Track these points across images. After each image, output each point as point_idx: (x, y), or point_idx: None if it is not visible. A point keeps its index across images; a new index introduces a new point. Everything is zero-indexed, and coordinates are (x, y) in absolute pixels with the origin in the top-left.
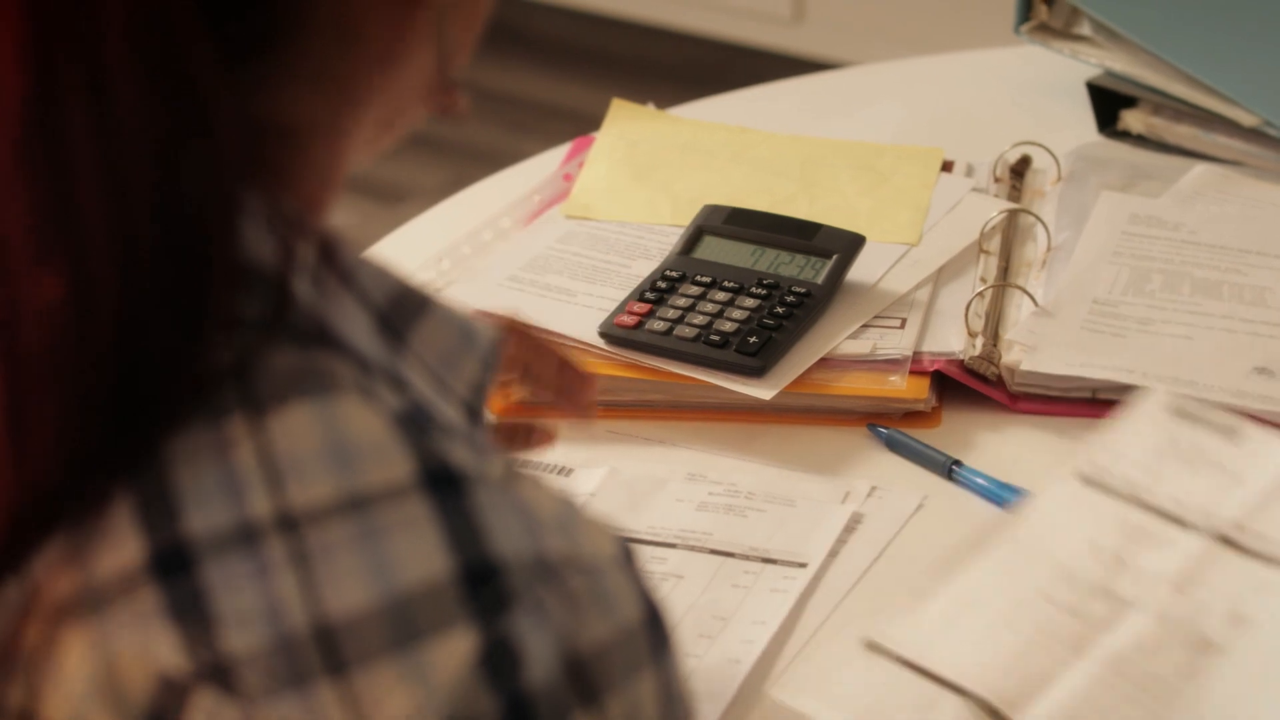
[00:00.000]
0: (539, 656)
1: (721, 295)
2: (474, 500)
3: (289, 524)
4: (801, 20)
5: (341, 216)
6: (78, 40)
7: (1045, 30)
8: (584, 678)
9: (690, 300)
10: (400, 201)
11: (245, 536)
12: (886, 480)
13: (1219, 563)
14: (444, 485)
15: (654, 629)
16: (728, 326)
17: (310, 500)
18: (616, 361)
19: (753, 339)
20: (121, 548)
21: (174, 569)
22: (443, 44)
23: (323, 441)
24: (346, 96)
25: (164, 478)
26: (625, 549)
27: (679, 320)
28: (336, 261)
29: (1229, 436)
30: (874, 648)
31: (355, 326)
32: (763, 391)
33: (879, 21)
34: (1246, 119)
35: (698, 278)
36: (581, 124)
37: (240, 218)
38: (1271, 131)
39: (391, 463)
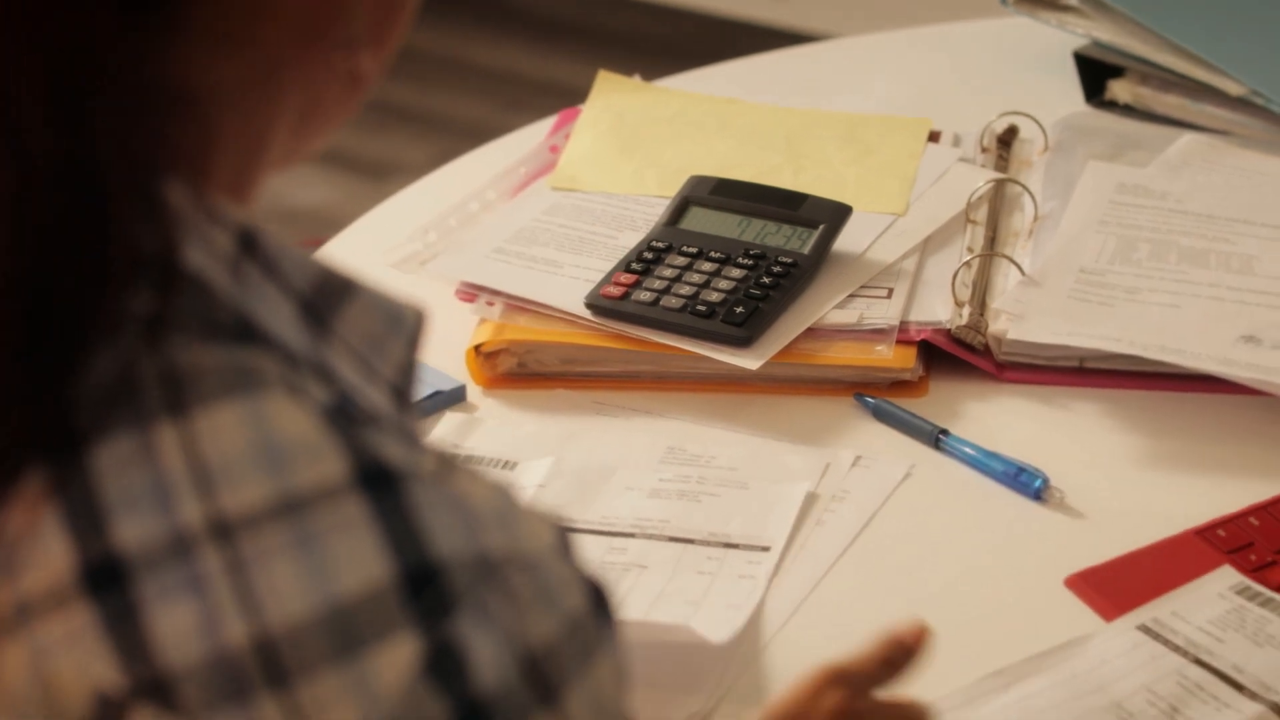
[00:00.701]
0: (488, 659)
1: (708, 266)
2: (410, 499)
3: (222, 531)
4: None
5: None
6: None
7: (1032, 1)
8: (539, 676)
9: (677, 271)
10: (387, 177)
11: (178, 546)
12: (873, 450)
13: None
14: (379, 484)
15: (599, 611)
16: (714, 297)
17: (242, 505)
18: (603, 332)
19: (739, 309)
20: (50, 561)
21: (105, 583)
22: (354, 5)
23: (252, 442)
24: (254, 63)
25: (90, 486)
26: (563, 535)
27: (665, 291)
28: (258, 251)
29: None
30: None
31: (279, 317)
32: (749, 362)
33: None
34: (1234, 88)
35: (684, 248)
36: (567, 99)
37: (150, 213)
38: (1259, 100)
39: (324, 461)
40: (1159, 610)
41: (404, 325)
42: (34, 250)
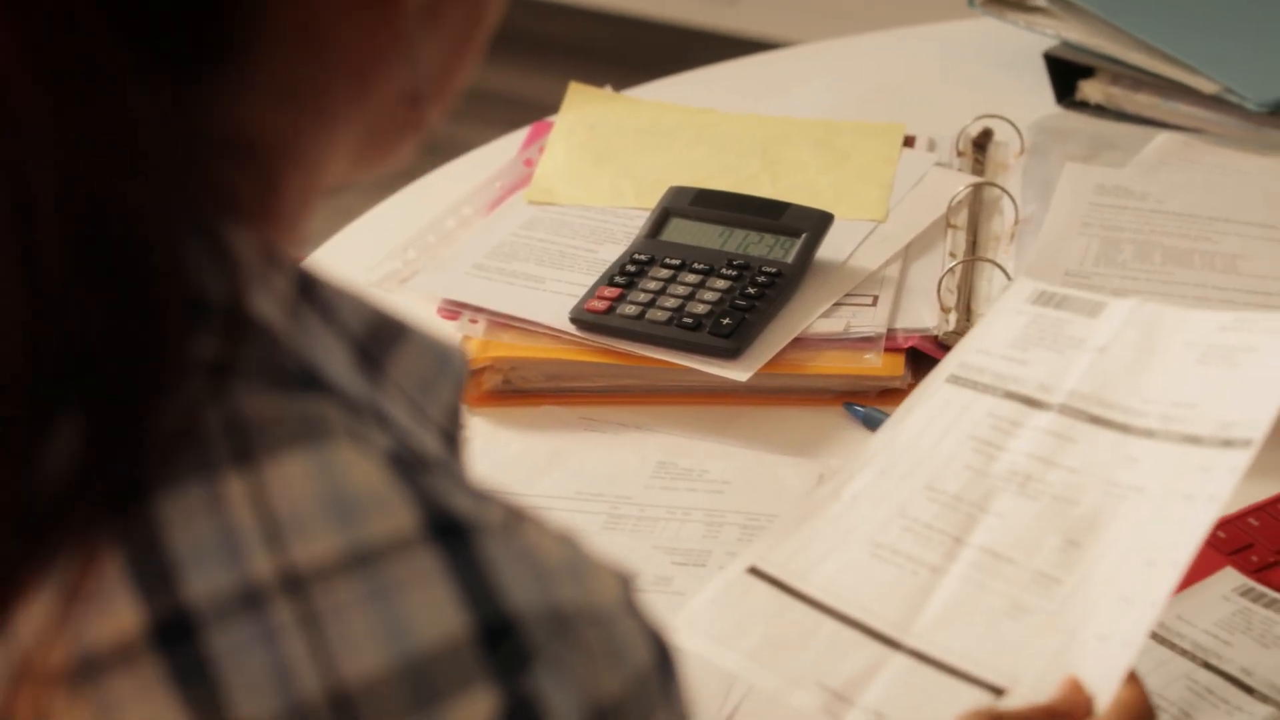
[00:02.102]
0: (563, 713)
1: (692, 277)
2: (483, 552)
3: (294, 584)
4: (735, 1)
5: None
6: None
7: (1000, 2)
8: None
9: (661, 283)
10: (340, 192)
11: (249, 599)
12: None
13: (1085, 439)
14: (451, 536)
15: (664, 667)
16: (700, 309)
17: (314, 557)
18: (588, 347)
19: (726, 320)
20: (117, 614)
21: (176, 637)
22: (414, 53)
23: (321, 493)
24: (314, 112)
25: (157, 538)
26: (629, 587)
27: (650, 304)
28: (316, 294)
29: (1092, 313)
30: (756, 573)
31: (336, 362)
32: (738, 373)
33: (813, 1)
34: (1207, 86)
35: (667, 260)
36: (517, 110)
37: (184, 249)
38: (1231, 98)
39: (394, 513)
40: (1164, 614)
41: (452, 367)
42: (94, 300)
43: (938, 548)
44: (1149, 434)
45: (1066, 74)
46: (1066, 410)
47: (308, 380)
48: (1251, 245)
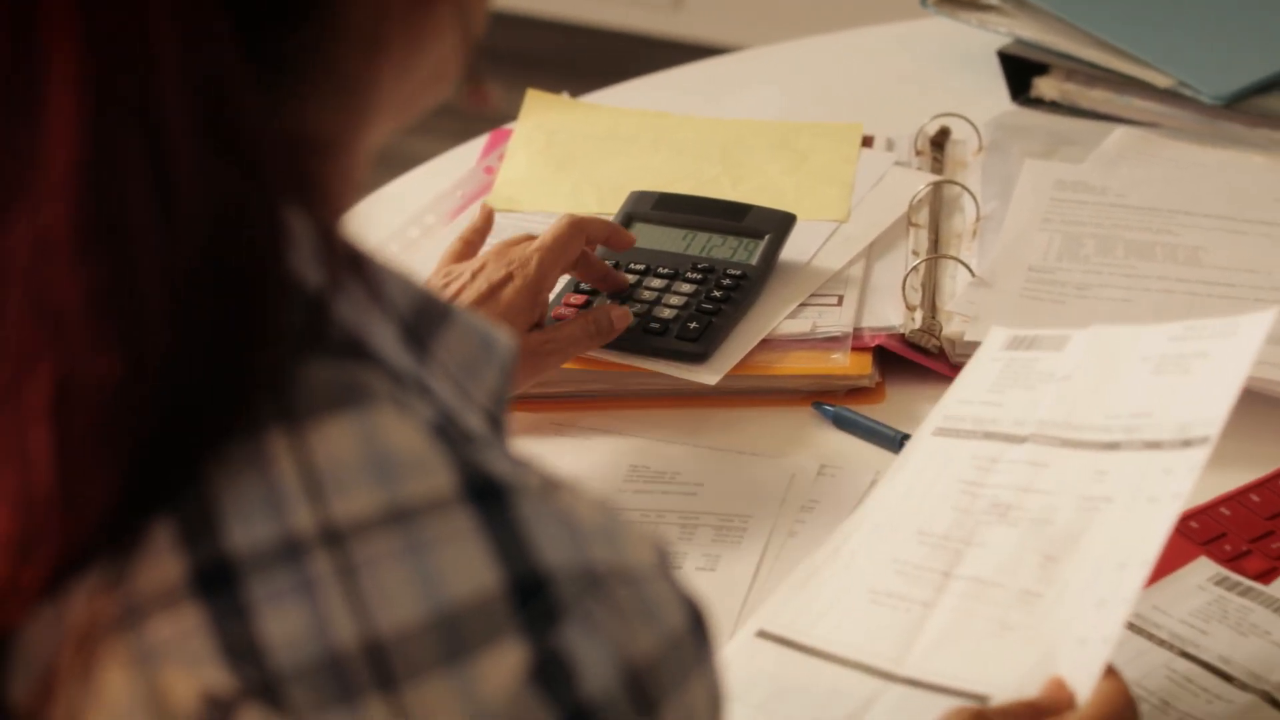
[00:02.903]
0: (594, 668)
1: (657, 282)
2: (518, 511)
3: (333, 537)
4: (681, 6)
5: None
6: (134, 101)
7: (952, 1)
8: (640, 689)
9: (627, 289)
10: None
11: (289, 551)
12: (837, 458)
13: (1057, 462)
14: (487, 496)
15: (698, 633)
16: (666, 313)
17: (353, 512)
18: None
19: (693, 324)
20: (162, 564)
21: (217, 585)
22: (465, 31)
23: (363, 453)
24: (367, 103)
25: (204, 495)
26: (664, 555)
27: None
28: (365, 273)
29: (1058, 347)
30: (764, 635)
31: (385, 337)
32: (707, 377)
33: (761, 3)
34: (1161, 80)
35: (631, 265)
36: (464, 120)
37: (284, 243)
38: (1186, 92)
39: (433, 474)
40: (1140, 605)
41: (497, 352)
42: (218, 284)
43: (928, 584)
44: (1114, 447)
45: (1021, 71)
46: (1039, 439)
47: (355, 349)
48: (1212, 237)
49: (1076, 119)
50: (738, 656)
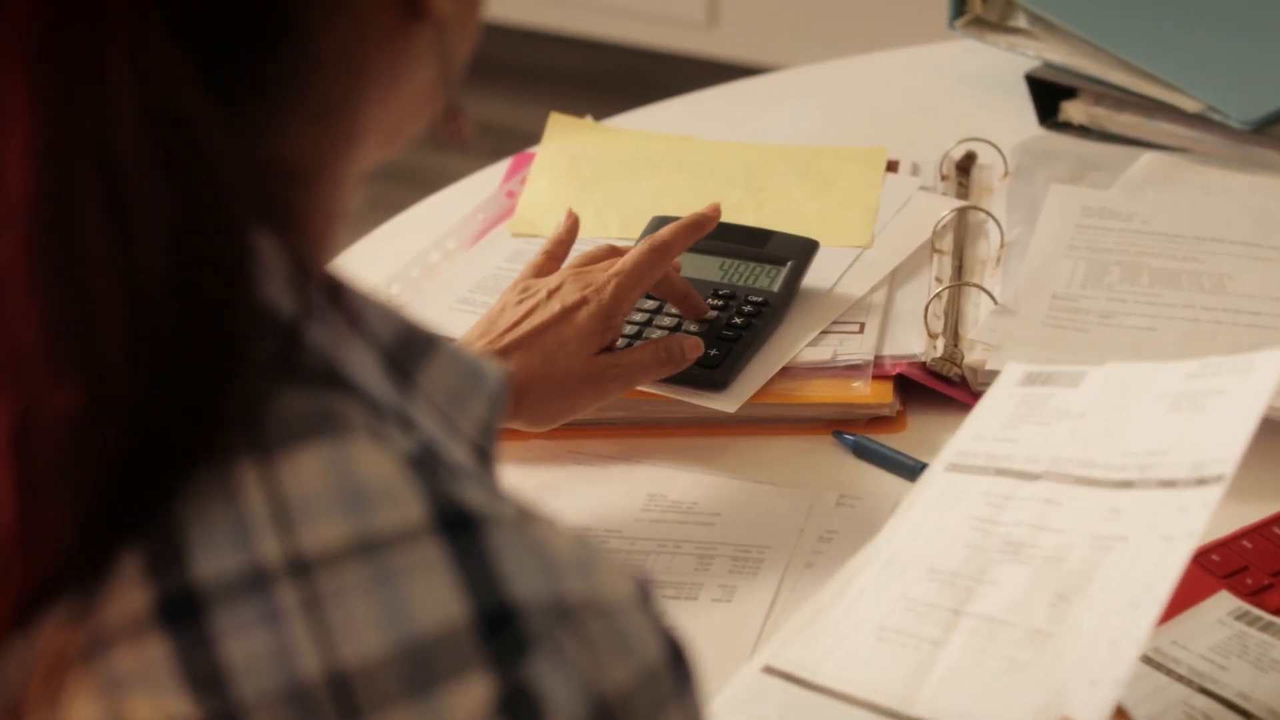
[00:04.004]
0: (563, 700)
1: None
2: (489, 543)
3: (300, 568)
4: (716, 23)
5: None
6: (89, 131)
7: (980, 24)
8: None
9: (647, 315)
10: None
11: (255, 581)
12: (856, 487)
13: (1071, 500)
14: (458, 527)
15: (677, 668)
16: None
17: (321, 543)
18: None
19: (713, 351)
20: (129, 595)
21: (182, 615)
22: (445, 61)
23: (333, 484)
24: (348, 130)
25: (172, 524)
26: (644, 588)
27: (636, 335)
28: (344, 302)
29: (1074, 384)
30: (771, 671)
31: (364, 367)
32: (727, 404)
33: (797, 23)
34: (1189, 105)
35: (652, 291)
36: (498, 138)
37: (254, 271)
38: (1215, 116)
39: (404, 504)
40: (1159, 639)
41: (485, 383)
42: (179, 311)
43: (938, 622)
44: (1128, 485)
45: (1049, 95)
46: (1052, 476)
47: (330, 378)
48: (1239, 264)
49: (1104, 144)
50: (743, 692)
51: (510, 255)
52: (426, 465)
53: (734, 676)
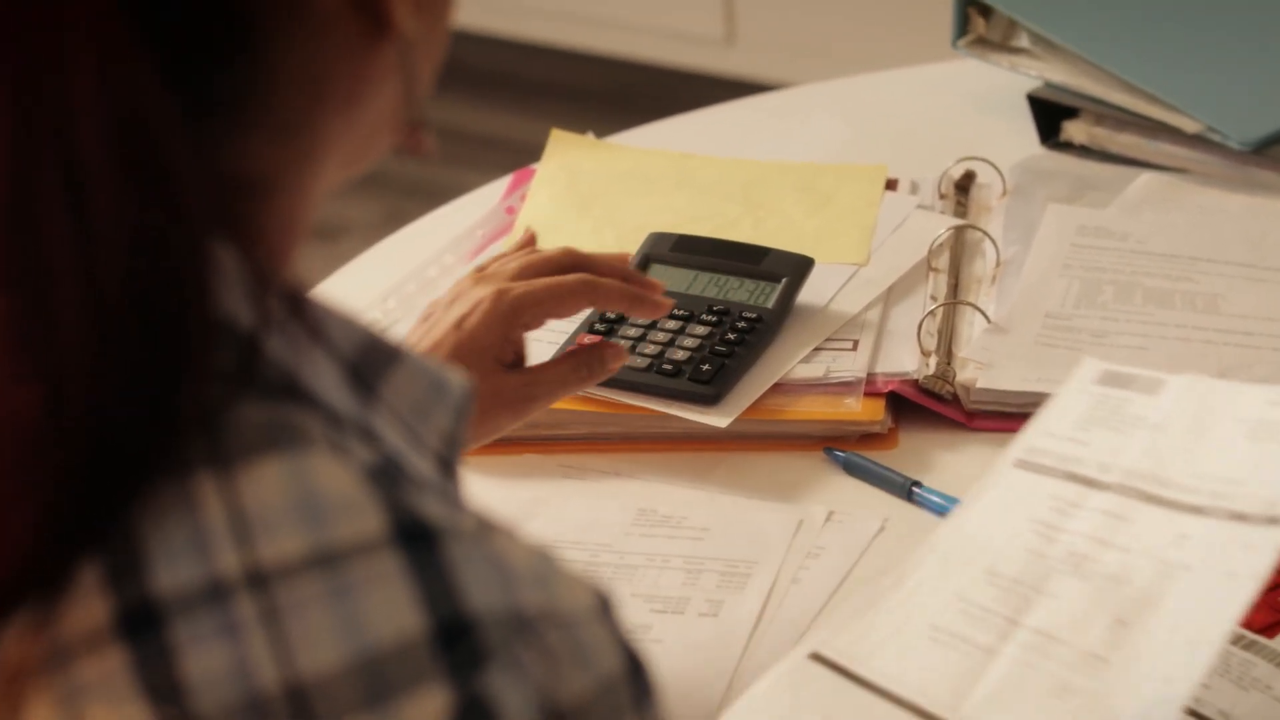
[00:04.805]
0: (519, 712)
1: (672, 324)
2: (447, 555)
3: (259, 580)
4: (733, 41)
5: None
6: (52, 138)
7: (983, 44)
8: None
9: (641, 330)
10: (335, 237)
11: (214, 593)
12: (846, 504)
13: (1139, 518)
14: (416, 540)
15: (636, 680)
16: (680, 355)
17: (280, 556)
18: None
19: (706, 366)
20: (88, 606)
21: (142, 628)
22: (409, 78)
23: (292, 496)
24: (310, 145)
25: (131, 537)
26: (604, 600)
27: (630, 350)
28: (305, 313)
29: (1152, 390)
30: (818, 659)
31: (324, 379)
32: (718, 420)
33: (812, 41)
34: (1189, 125)
35: None
36: (516, 154)
37: (213, 282)
38: (1214, 137)
39: (362, 517)
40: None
41: (449, 394)
42: (140, 325)
43: (991, 629)
44: (1198, 511)
45: (1050, 115)
46: (1123, 489)
47: (290, 391)
48: (1233, 285)
49: (1104, 164)
50: (789, 679)
51: None
52: (387, 477)
53: (780, 661)
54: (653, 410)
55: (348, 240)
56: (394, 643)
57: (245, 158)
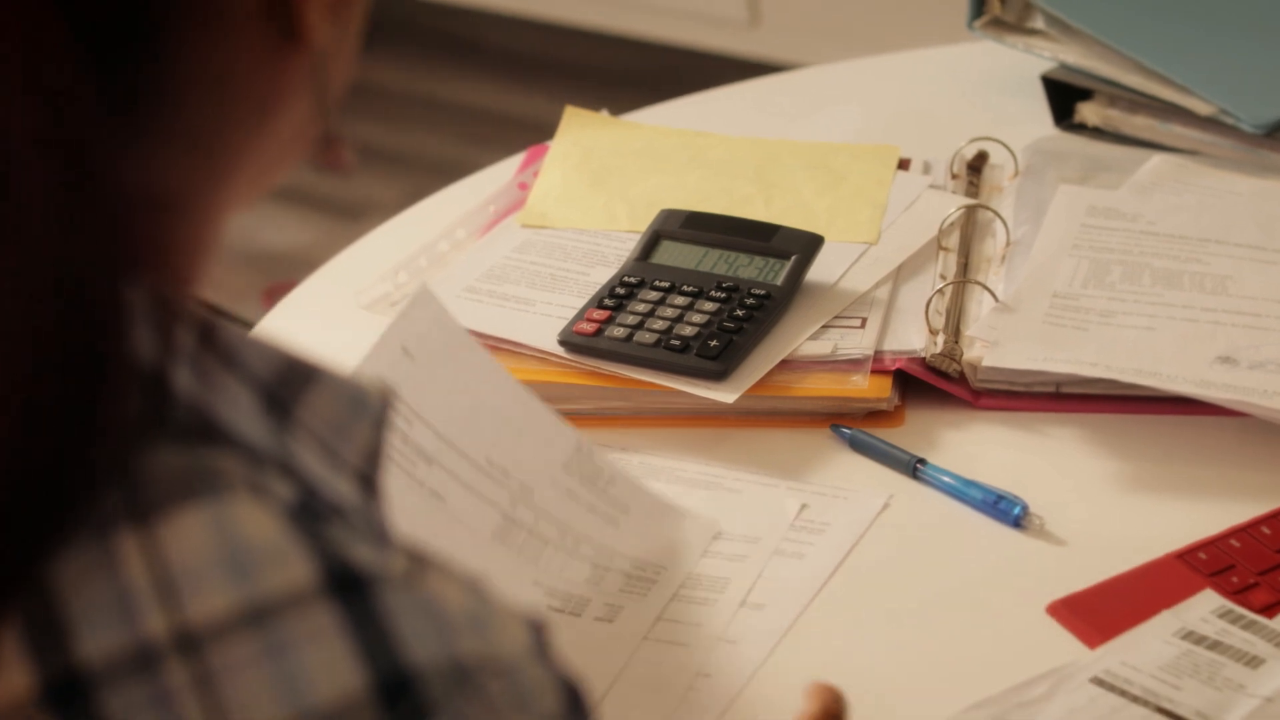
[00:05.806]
0: None
1: (681, 300)
2: (381, 604)
3: (189, 643)
4: (757, 23)
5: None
6: None
7: (998, 25)
8: None
9: (649, 305)
10: (359, 217)
11: (143, 660)
12: (851, 481)
13: None
14: (349, 589)
15: (574, 713)
16: (688, 331)
17: (209, 614)
18: (577, 369)
19: (714, 343)
20: (11, 677)
21: (68, 700)
22: (321, 89)
23: (216, 548)
24: (220, 159)
25: (51, 600)
26: (538, 634)
27: (639, 326)
28: (217, 343)
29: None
30: None
31: (240, 411)
32: (725, 395)
33: (834, 23)
34: (1202, 108)
35: (656, 283)
36: (538, 133)
37: (123, 320)
38: (1227, 119)
39: (290, 565)
40: (1107, 661)
41: (369, 408)
42: (46, 362)
43: None
44: None
45: (1064, 96)
46: None
47: (205, 432)
48: (1242, 266)
49: (1117, 145)
50: None
51: (519, 246)
52: (309, 514)
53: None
54: (660, 385)
55: (369, 219)
56: (335, 702)
57: (153, 172)
